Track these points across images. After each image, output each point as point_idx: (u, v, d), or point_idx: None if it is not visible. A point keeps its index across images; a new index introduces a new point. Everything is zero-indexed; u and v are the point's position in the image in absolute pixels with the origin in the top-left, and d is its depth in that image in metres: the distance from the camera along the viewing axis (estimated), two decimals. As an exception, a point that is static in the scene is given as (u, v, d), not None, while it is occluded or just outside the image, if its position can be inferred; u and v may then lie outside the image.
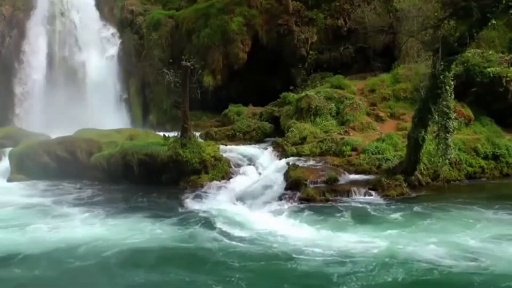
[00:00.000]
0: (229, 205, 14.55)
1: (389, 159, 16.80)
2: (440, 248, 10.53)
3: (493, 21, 14.01)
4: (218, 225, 12.71)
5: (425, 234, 11.46)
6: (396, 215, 13.07)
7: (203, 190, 16.17)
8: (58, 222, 13.18)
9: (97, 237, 11.75)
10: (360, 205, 14.08)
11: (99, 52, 29.08)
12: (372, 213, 13.45)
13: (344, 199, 14.66)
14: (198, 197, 15.48)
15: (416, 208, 13.63)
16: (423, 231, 11.72)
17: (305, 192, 14.73)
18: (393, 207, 13.83)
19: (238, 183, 16.49)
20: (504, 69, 19.89)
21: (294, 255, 10.45)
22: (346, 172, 16.41)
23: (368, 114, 20.61)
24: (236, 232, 12.05)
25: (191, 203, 14.85)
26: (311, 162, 17.11)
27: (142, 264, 10.30)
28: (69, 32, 28.92)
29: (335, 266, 9.81)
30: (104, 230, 12.37)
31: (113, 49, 29.52)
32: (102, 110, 26.87)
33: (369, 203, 14.18)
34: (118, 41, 29.87)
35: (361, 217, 13.04)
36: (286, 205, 14.30)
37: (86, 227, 12.73)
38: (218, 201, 14.99)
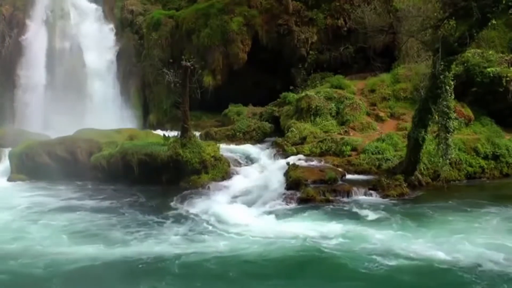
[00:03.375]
0: (230, 205, 14.50)
1: (389, 159, 16.80)
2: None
3: (493, 21, 14.03)
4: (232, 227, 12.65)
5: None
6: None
7: (203, 190, 16.14)
8: (146, 230, 12.52)
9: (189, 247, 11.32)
10: (363, 205, 14.02)
11: (99, 52, 29.00)
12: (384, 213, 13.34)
13: (344, 199, 14.66)
14: (199, 197, 15.41)
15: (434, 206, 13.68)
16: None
17: (305, 192, 14.72)
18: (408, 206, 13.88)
19: (238, 183, 16.47)
20: (504, 69, 19.91)
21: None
22: (346, 172, 16.41)
23: (368, 114, 20.62)
24: (255, 236, 11.88)
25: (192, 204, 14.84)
26: (311, 162, 17.11)
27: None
28: (69, 32, 28.88)
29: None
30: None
31: (113, 49, 29.49)
32: (102, 110, 26.85)
33: (370, 203, 14.16)
34: (118, 41, 29.84)
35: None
36: (286, 205, 14.30)
37: (164, 237, 12.11)
38: (218, 201, 14.95)
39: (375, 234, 11.62)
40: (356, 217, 13.08)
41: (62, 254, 10.94)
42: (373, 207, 13.81)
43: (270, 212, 13.75)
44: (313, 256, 10.57)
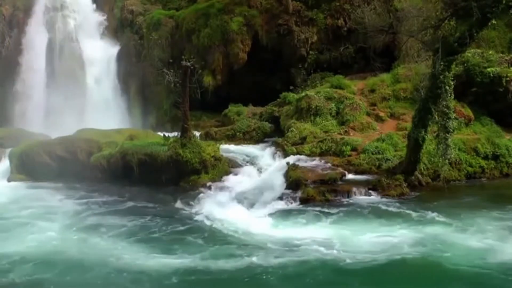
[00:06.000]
0: (230, 206, 14.49)
1: (389, 159, 16.80)
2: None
3: (493, 21, 14.04)
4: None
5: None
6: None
7: (203, 190, 16.12)
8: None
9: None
10: (372, 205, 13.94)
11: (99, 52, 29.03)
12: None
13: (344, 199, 14.64)
14: (200, 198, 15.34)
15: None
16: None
17: (305, 192, 14.71)
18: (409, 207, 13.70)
19: (238, 183, 16.46)
20: (504, 69, 19.90)
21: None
22: (346, 172, 16.40)
23: (368, 114, 20.61)
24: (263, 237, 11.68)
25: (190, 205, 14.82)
26: (311, 162, 17.10)
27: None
28: (69, 32, 28.88)
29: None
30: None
31: (113, 49, 29.49)
32: (102, 110, 26.85)
33: (371, 203, 14.13)
34: (118, 41, 29.85)
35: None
36: (286, 205, 14.28)
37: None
38: (218, 201, 14.93)
39: (445, 235, 11.31)
40: (395, 217, 12.71)
41: (145, 265, 10.29)
42: (395, 206, 13.66)
43: (271, 213, 13.66)
44: (418, 264, 10.02)
